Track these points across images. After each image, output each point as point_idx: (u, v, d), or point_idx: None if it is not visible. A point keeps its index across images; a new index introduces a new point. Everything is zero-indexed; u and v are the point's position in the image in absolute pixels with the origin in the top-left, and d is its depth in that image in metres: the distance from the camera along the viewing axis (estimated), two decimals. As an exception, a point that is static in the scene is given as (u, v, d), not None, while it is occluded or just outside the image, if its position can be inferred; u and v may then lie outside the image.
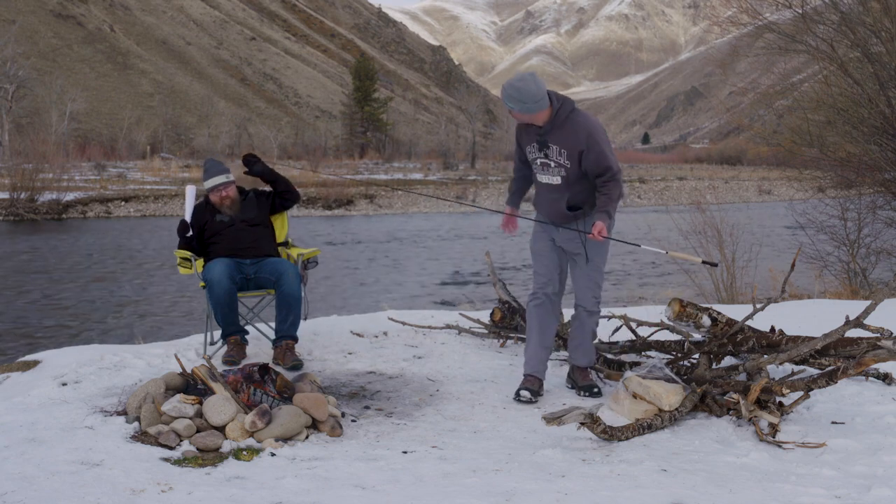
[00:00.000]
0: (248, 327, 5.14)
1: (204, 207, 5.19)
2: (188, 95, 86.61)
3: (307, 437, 3.52)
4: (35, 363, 4.70)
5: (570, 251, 4.37)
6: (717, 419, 3.83)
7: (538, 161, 4.28)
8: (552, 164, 4.23)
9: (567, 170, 4.20)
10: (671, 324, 4.92)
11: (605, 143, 4.16)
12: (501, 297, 5.75)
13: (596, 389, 4.39)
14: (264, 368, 3.85)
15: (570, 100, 4.21)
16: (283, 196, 5.29)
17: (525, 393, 4.23)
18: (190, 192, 5.27)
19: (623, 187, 4.27)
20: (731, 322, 4.54)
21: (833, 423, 3.81)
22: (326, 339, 5.42)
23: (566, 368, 4.73)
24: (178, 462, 3.22)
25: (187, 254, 5.09)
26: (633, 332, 5.09)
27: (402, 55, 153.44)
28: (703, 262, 4.42)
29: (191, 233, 5.11)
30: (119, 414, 3.71)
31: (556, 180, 4.25)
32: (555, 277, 4.39)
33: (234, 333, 4.94)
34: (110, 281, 15.99)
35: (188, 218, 5.14)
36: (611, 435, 3.53)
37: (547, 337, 4.39)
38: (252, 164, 5.22)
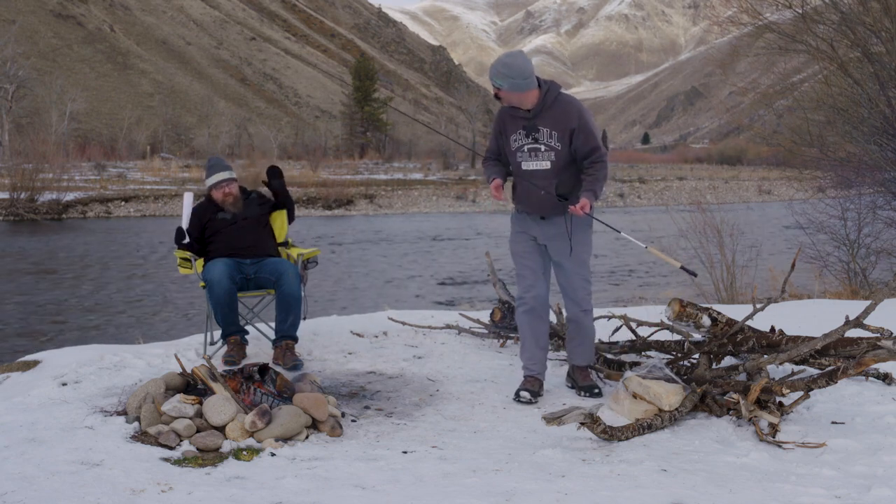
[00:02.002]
0: (248, 327, 5.14)
1: (206, 206, 5.19)
2: (188, 95, 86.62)
3: (307, 437, 3.52)
4: (35, 363, 4.70)
5: (554, 250, 4.30)
6: (717, 419, 3.83)
7: (525, 147, 4.20)
8: (542, 149, 4.17)
9: (557, 153, 4.15)
10: (671, 324, 4.92)
11: (594, 123, 4.18)
12: (501, 297, 5.75)
13: (597, 390, 4.39)
14: (264, 368, 3.85)
15: (557, 83, 4.20)
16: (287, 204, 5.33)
17: (525, 394, 4.22)
18: (187, 198, 5.19)
19: (609, 169, 4.23)
20: (731, 322, 4.54)
21: (833, 423, 3.80)
22: (326, 339, 5.42)
23: (566, 368, 4.73)
24: (178, 462, 3.22)
25: (187, 254, 5.10)
26: (633, 332, 5.09)
27: (402, 55, 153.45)
28: (682, 268, 4.20)
29: (187, 240, 5.08)
30: (119, 414, 3.71)
31: (546, 165, 4.18)
32: (540, 279, 4.34)
33: (234, 333, 4.94)
34: (110, 281, 15.98)
35: (185, 225, 5.09)
36: (611, 435, 3.52)
37: (541, 339, 4.38)
38: (274, 175, 5.25)
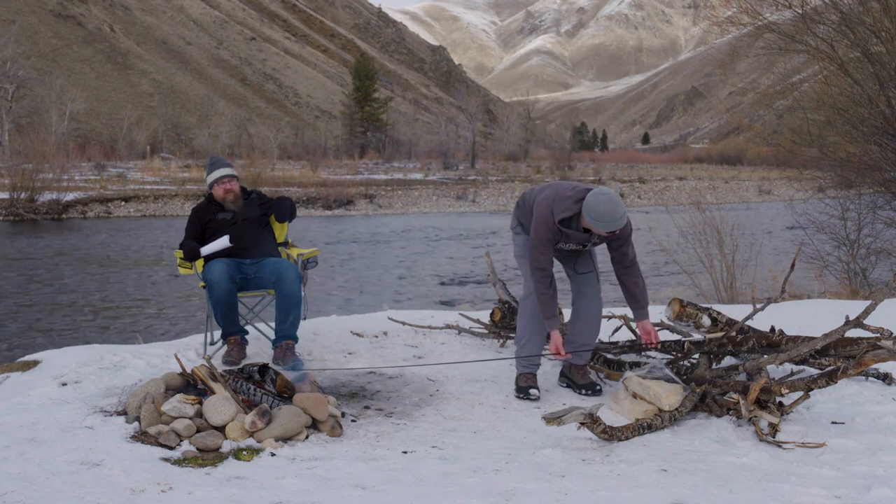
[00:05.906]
0: (248, 327, 5.13)
1: (206, 206, 5.19)
2: (188, 95, 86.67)
3: (307, 437, 3.52)
4: (35, 363, 4.69)
5: (574, 262, 4.42)
6: (717, 419, 3.83)
7: (570, 248, 4.29)
8: (585, 246, 4.31)
9: (596, 245, 4.33)
10: (671, 324, 4.92)
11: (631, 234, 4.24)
12: (501, 297, 5.75)
13: (598, 387, 4.39)
14: (264, 368, 3.84)
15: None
16: (281, 213, 5.28)
17: (535, 391, 4.26)
18: (224, 240, 5.01)
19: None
20: (731, 322, 4.53)
21: (833, 423, 3.80)
22: (326, 339, 5.42)
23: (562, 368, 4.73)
24: (178, 462, 3.21)
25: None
26: (633, 332, 5.09)
27: (402, 55, 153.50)
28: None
29: (196, 259, 5.05)
30: (119, 414, 3.70)
31: (580, 247, 4.31)
32: None
33: (234, 333, 4.94)
34: (110, 281, 15.98)
35: (205, 252, 4.99)
36: (611, 435, 3.52)
37: (544, 336, 4.41)
38: (283, 212, 5.21)
